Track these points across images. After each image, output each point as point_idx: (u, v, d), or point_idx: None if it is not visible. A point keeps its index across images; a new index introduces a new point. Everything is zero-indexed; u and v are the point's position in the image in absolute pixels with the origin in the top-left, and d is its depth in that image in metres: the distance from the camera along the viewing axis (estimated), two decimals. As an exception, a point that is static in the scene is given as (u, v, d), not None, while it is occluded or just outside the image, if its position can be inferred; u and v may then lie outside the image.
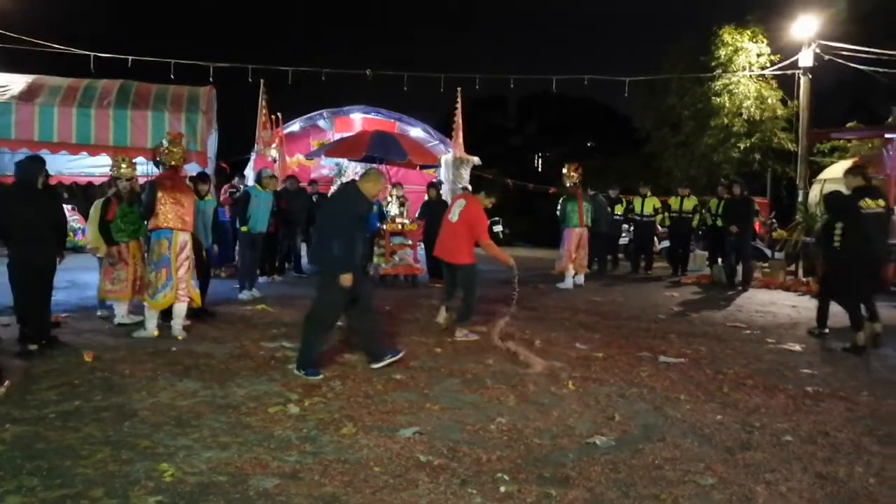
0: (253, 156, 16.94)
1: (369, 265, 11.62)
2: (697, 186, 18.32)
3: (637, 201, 14.83)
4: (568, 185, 12.53)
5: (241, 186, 12.99)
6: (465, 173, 17.85)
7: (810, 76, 17.35)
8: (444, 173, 17.67)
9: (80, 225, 16.03)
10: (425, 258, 12.22)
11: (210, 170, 12.59)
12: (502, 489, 3.74)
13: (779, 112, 20.16)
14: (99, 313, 8.41)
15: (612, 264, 15.29)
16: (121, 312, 8.12)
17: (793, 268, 13.48)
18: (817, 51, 17.17)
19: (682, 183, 16.58)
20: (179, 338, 7.31)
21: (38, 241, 6.67)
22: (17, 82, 11.57)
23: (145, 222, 7.74)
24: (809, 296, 11.49)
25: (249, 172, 15.92)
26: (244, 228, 10.30)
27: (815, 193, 16.11)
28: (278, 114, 16.27)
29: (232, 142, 18.29)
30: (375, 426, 4.69)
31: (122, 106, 11.49)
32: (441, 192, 13.84)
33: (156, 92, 12.12)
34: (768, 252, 16.20)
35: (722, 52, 20.19)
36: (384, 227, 11.97)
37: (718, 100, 20.29)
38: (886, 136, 13.03)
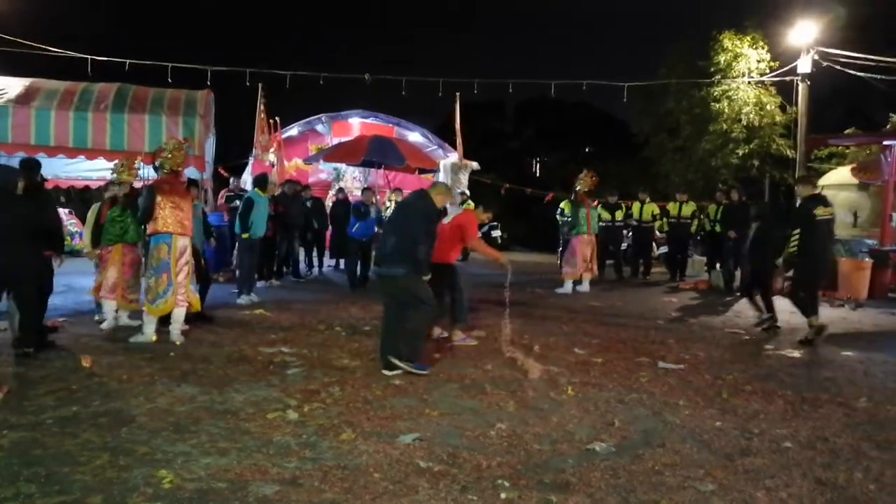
0: (251, 160, 16.94)
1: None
2: (695, 192, 18.33)
3: (636, 207, 14.84)
4: (579, 190, 12.53)
5: (238, 191, 12.98)
6: (464, 178, 17.84)
7: (808, 83, 17.39)
8: (441, 178, 17.67)
9: (77, 229, 15.99)
10: None
11: (208, 174, 12.62)
12: (503, 495, 3.73)
13: (777, 118, 20.19)
14: (96, 318, 8.38)
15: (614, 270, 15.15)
16: (109, 316, 8.08)
17: (790, 273, 13.46)
18: (815, 57, 17.21)
19: (681, 188, 16.59)
20: (178, 343, 7.28)
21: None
22: (13, 85, 11.58)
23: (138, 227, 7.75)
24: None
25: (247, 177, 15.92)
26: (245, 235, 10.26)
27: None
28: (276, 118, 16.27)
29: (230, 146, 18.31)
30: (375, 432, 4.67)
31: (120, 110, 11.50)
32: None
33: (153, 96, 12.13)
34: None
35: (722, 58, 20.20)
36: (383, 231, 11.93)
37: (717, 105, 20.31)
38: (885, 142, 13.06)
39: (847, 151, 18.13)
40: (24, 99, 11.23)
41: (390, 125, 19.20)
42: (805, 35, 17.30)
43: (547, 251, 17.74)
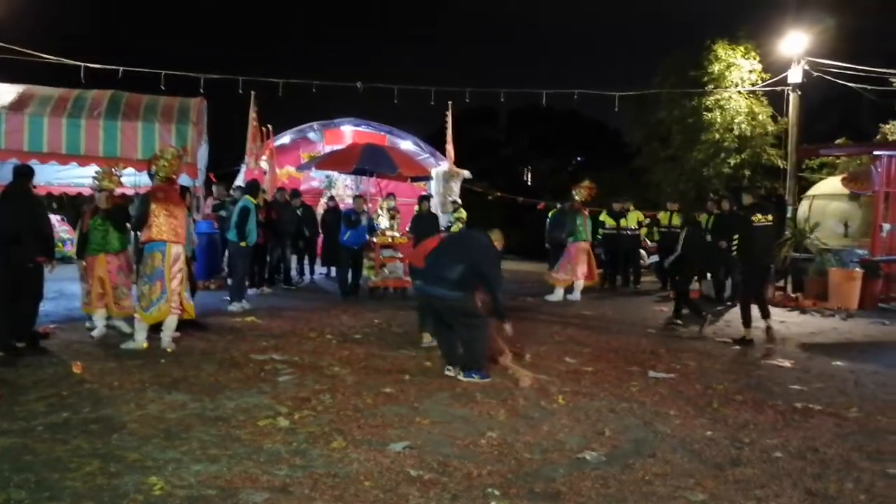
0: (243, 168, 16.93)
1: None
2: (687, 201, 18.38)
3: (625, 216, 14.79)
4: (577, 199, 12.60)
5: (223, 198, 12.97)
6: (456, 187, 17.87)
7: (799, 93, 17.50)
8: (434, 186, 17.70)
9: (68, 236, 15.94)
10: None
11: (200, 181, 12.59)
12: (493, 504, 3.74)
13: (769, 128, 20.29)
14: (87, 325, 8.35)
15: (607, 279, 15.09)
16: (99, 324, 8.04)
17: (782, 283, 13.54)
18: (806, 67, 17.33)
19: (672, 197, 16.65)
20: (169, 350, 7.26)
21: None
22: (6, 92, 11.51)
23: (121, 235, 7.74)
24: (799, 311, 11.57)
25: (239, 185, 15.92)
26: (243, 243, 10.25)
27: (804, 209, 16.24)
28: (269, 125, 16.27)
29: (222, 154, 18.27)
30: (365, 440, 4.67)
31: (113, 117, 11.45)
32: (432, 205, 13.85)
33: (146, 103, 12.09)
34: None
35: (715, 68, 20.27)
36: (374, 239, 11.95)
37: (710, 115, 20.39)
38: (875, 152, 13.14)
39: (838, 161, 18.19)
40: (17, 105, 11.16)
41: (382, 133, 19.22)
42: (796, 45, 17.41)
43: (540, 259, 17.74)
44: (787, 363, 7.64)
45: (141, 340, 7.35)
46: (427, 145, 19.93)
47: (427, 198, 13.57)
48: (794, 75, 17.33)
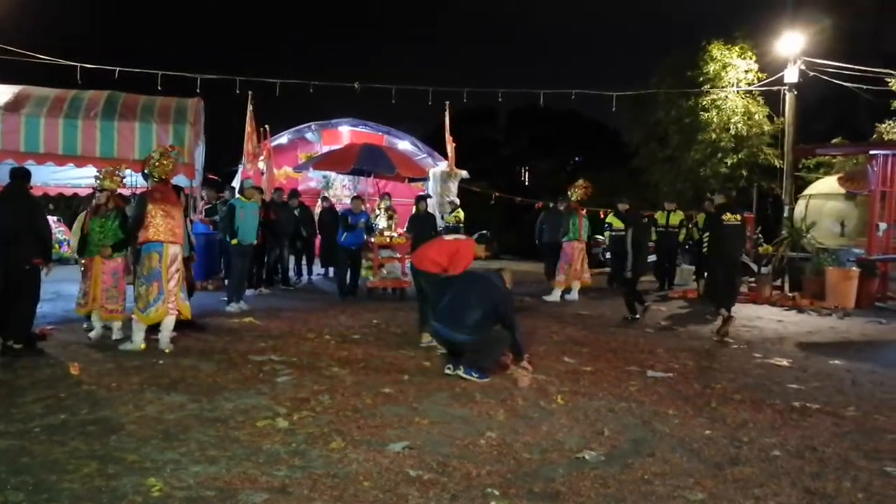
0: (241, 168, 16.92)
1: None
2: (684, 201, 18.40)
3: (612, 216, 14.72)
4: (573, 199, 12.63)
5: (215, 201, 12.97)
6: (454, 187, 17.88)
7: (795, 92, 17.53)
8: (432, 186, 17.70)
9: (65, 237, 15.91)
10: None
11: (197, 182, 12.58)
12: (492, 504, 3.74)
13: (765, 128, 20.32)
14: (84, 326, 8.33)
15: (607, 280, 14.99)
16: (97, 325, 8.02)
17: (779, 282, 13.57)
18: (802, 67, 17.36)
19: (669, 197, 16.65)
20: (167, 351, 7.25)
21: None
22: (2, 92, 11.50)
23: (119, 236, 7.74)
24: (796, 310, 11.59)
25: (237, 185, 15.93)
26: (234, 241, 10.24)
27: (800, 208, 16.28)
28: (266, 126, 16.25)
29: (219, 154, 18.27)
30: (365, 440, 4.67)
31: (110, 117, 11.44)
32: (429, 205, 13.84)
33: (143, 103, 12.08)
34: (754, 267, 16.29)
35: (711, 68, 20.31)
36: (372, 239, 11.95)
37: (706, 115, 20.42)
38: (871, 152, 13.17)
39: (834, 161, 18.24)
40: (14, 106, 11.14)
41: (380, 133, 19.22)
42: (792, 45, 17.44)
43: (536, 260, 17.72)
44: (784, 362, 7.65)
45: (139, 341, 7.34)
46: (425, 145, 19.94)
47: (424, 198, 13.54)
48: (791, 75, 17.36)
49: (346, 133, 19.12)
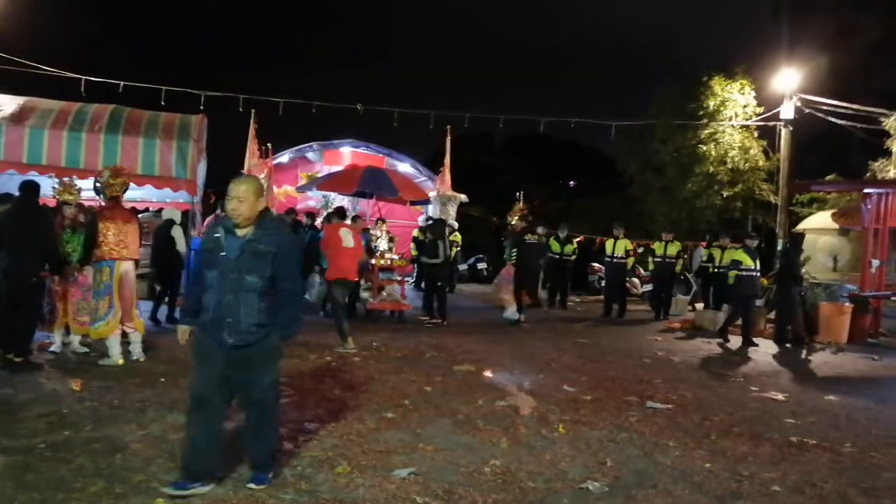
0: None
1: None
2: (681, 232, 18.53)
3: (609, 242, 14.82)
4: (514, 223, 13.06)
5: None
6: (452, 210, 17.96)
7: (791, 128, 17.75)
8: (432, 210, 17.78)
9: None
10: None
11: (198, 199, 12.62)
12: (500, 533, 3.77)
13: (761, 163, 20.52)
14: (47, 340, 8.16)
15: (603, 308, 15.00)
16: (58, 339, 7.98)
17: (773, 315, 13.64)
18: (798, 104, 17.60)
19: (666, 227, 16.77)
20: (141, 360, 7.51)
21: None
22: (7, 104, 11.55)
23: (86, 249, 7.76)
24: (789, 343, 11.65)
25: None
26: None
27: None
28: (269, 144, 16.34)
29: (221, 171, 18.28)
30: (370, 465, 4.69)
31: (114, 131, 11.50)
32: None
33: (148, 118, 12.15)
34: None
35: (711, 102, 20.50)
36: (373, 262, 12.01)
37: (704, 147, 20.60)
38: (865, 190, 13.33)
39: (828, 197, 18.45)
40: (18, 117, 11.19)
41: (381, 155, 19.32)
42: (788, 82, 17.69)
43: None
44: (780, 396, 7.70)
45: (116, 356, 7.44)
46: (425, 168, 20.05)
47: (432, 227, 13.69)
48: (787, 111, 17.59)
49: (348, 154, 19.22)
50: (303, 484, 4.32)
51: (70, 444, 4.83)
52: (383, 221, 14.67)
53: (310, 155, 19.54)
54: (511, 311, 12.54)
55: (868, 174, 17.76)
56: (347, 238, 9.39)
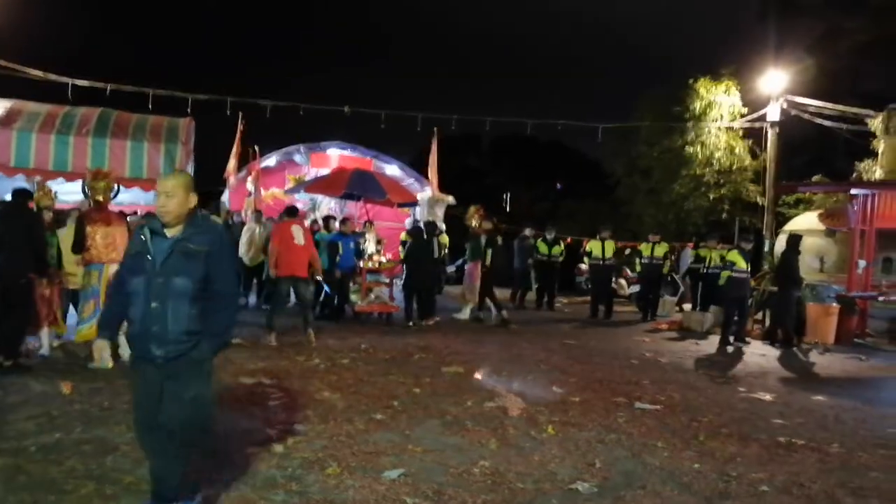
0: (227, 189, 16.95)
1: None
2: (668, 233, 18.63)
3: (596, 245, 14.84)
4: (474, 225, 13.17)
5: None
6: (440, 212, 17.96)
7: (777, 130, 17.88)
8: (419, 212, 17.78)
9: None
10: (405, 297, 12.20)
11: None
12: (490, 534, 3.79)
13: (747, 162, 20.65)
14: (31, 344, 8.15)
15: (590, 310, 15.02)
16: (45, 342, 7.90)
17: (760, 316, 13.73)
18: (784, 105, 17.73)
19: (653, 229, 16.85)
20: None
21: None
22: (-5, 107, 11.51)
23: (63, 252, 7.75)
24: (776, 344, 11.72)
25: (225, 204, 15.98)
26: None
27: (781, 243, 16.53)
28: (255, 147, 16.30)
29: (207, 174, 18.23)
30: (360, 467, 4.70)
31: (102, 134, 11.48)
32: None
33: (135, 121, 12.14)
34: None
35: (697, 105, 20.60)
36: (361, 264, 12.01)
37: (690, 149, 20.71)
38: (852, 191, 13.44)
39: (814, 198, 18.59)
40: (6, 120, 11.16)
41: (368, 157, 19.28)
42: (775, 84, 17.82)
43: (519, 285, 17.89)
44: (768, 397, 7.76)
45: (106, 358, 7.34)
46: (412, 170, 20.04)
47: (423, 229, 13.74)
48: (773, 113, 17.72)
49: (335, 156, 19.16)
50: (293, 485, 4.33)
51: (60, 446, 4.81)
52: (371, 224, 14.67)
53: (297, 157, 19.47)
54: (466, 311, 12.81)
55: (854, 175, 17.90)
56: (299, 235, 9.51)
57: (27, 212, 7.43)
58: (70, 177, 11.35)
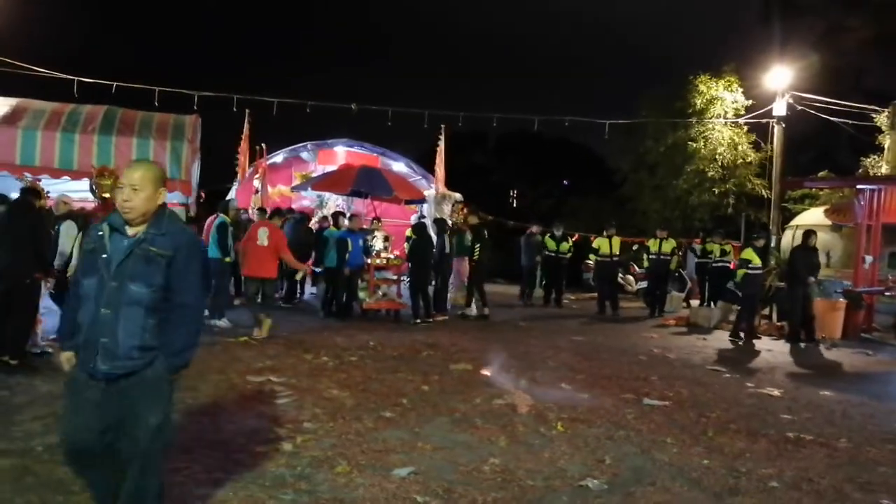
0: (235, 185, 16.97)
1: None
2: (674, 229, 18.59)
3: (603, 241, 14.80)
4: (459, 222, 13.52)
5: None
6: (447, 209, 17.93)
7: (783, 125, 17.82)
8: (426, 209, 17.77)
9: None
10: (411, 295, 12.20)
11: (192, 199, 12.59)
12: (500, 531, 3.78)
13: (750, 157, 20.63)
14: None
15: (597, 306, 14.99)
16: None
17: (766, 311, 13.70)
18: (790, 101, 17.66)
19: (659, 225, 16.83)
20: None
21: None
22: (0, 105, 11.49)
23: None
24: (784, 339, 11.68)
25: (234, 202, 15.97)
26: (228, 259, 10.52)
27: (787, 239, 16.51)
28: (262, 144, 16.32)
29: (214, 171, 18.26)
30: (369, 465, 4.70)
31: (107, 132, 11.43)
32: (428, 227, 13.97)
33: (141, 119, 12.08)
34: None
35: (697, 101, 20.64)
36: (369, 261, 12.02)
37: (694, 145, 20.71)
38: (858, 186, 13.39)
39: (820, 193, 18.54)
40: (11, 118, 11.12)
41: (375, 154, 19.28)
42: (780, 80, 17.76)
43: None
44: (776, 392, 7.74)
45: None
46: (419, 167, 20.04)
47: (431, 226, 13.83)
48: (779, 108, 17.65)
49: (342, 153, 19.17)
50: (302, 484, 4.32)
51: (68, 446, 4.81)
52: (379, 221, 14.66)
53: (304, 154, 19.49)
54: (473, 308, 12.81)
55: (860, 170, 17.85)
56: (263, 237, 9.79)
57: (32, 211, 7.43)
58: (76, 175, 11.35)
